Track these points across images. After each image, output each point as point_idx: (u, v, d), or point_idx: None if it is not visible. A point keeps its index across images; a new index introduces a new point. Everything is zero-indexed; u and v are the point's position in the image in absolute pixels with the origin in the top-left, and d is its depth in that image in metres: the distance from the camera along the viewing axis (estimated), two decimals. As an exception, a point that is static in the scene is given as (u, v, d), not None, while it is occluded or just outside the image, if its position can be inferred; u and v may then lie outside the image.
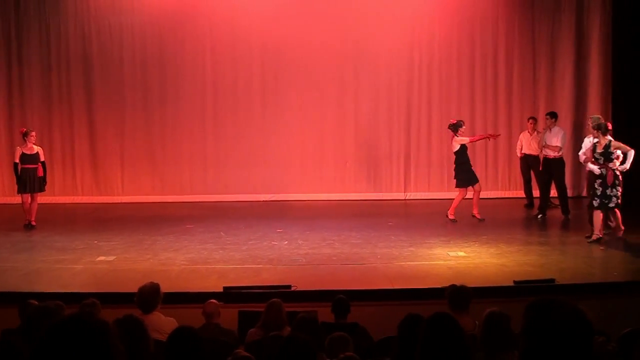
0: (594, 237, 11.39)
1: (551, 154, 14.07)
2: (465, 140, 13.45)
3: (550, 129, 14.18)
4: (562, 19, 16.56)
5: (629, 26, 15.37)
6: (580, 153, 12.36)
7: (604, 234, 11.63)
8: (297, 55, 16.40)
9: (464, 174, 13.40)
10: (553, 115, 14.36)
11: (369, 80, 16.62)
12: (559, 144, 14.09)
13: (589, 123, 12.36)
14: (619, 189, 11.32)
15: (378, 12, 16.34)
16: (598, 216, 11.41)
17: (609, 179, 11.26)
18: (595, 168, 11.44)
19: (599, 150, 11.38)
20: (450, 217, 13.32)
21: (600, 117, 12.44)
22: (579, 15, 16.53)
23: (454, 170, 13.59)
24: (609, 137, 11.52)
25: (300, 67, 16.46)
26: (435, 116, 16.46)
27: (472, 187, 13.41)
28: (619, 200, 11.35)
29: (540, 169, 14.42)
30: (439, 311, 4.08)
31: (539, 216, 13.93)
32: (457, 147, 13.37)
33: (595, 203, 11.39)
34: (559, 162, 14.11)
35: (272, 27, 16.28)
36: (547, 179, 14.19)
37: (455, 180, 13.55)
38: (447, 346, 3.71)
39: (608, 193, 11.29)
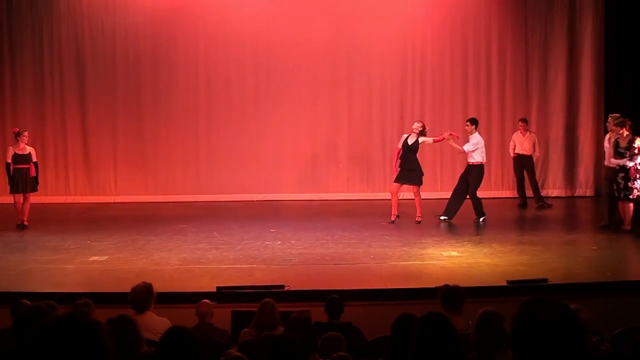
0: (627, 227, 12.13)
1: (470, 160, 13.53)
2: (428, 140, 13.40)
3: (470, 135, 13.56)
4: (555, 19, 16.60)
5: (621, 26, 15.43)
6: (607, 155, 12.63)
7: (603, 225, 12.53)
8: (290, 56, 16.42)
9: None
10: (473, 122, 13.65)
11: (361, 81, 16.64)
12: (469, 148, 13.43)
13: (610, 121, 12.63)
14: (639, 182, 12.02)
15: (371, 13, 16.36)
16: (627, 208, 12.17)
17: (632, 172, 12.01)
18: (625, 160, 12.02)
19: (623, 145, 12.07)
20: (419, 219, 13.26)
21: (619, 115, 12.59)
22: (571, 16, 16.58)
23: (414, 168, 13.26)
24: (630, 133, 12.19)
25: (293, 68, 16.47)
26: (428, 117, 16.41)
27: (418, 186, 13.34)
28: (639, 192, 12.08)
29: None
30: (432, 311, 4.09)
31: (481, 219, 13.32)
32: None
33: (622, 195, 12.12)
34: (471, 168, 13.52)
35: (265, 28, 16.30)
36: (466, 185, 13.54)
37: (416, 177, 13.29)
38: (440, 346, 3.72)
39: (630, 185, 12.02)
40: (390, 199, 13.55)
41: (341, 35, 16.38)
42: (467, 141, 13.56)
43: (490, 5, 16.65)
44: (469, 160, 13.59)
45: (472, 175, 13.47)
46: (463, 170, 13.88)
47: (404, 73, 16.74)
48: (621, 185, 12.12)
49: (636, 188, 12.05)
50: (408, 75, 16.75)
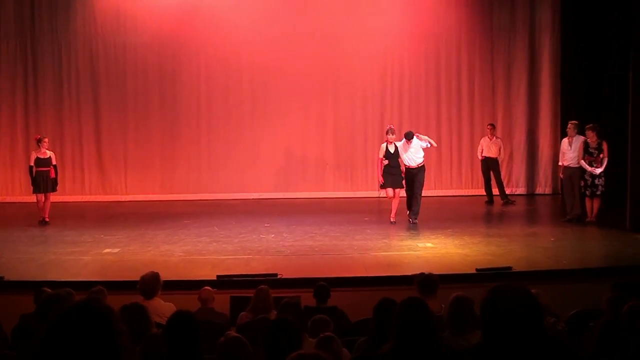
0: (593, 219, 12.38)
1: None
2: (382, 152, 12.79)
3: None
4: (517, 37, 16.66)
5: (575, 44, 15.52)
6: (571, 154, 12.58)
7: (567, 220, 12.59)
8: (283, 70, 16.36)
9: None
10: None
11: (346, 92, 16.62)
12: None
13: (570, 127, 12.78)
14: (602, 179, 12.26)
15: (355, 33, 16.29)
16: (594, 203, 12.42)
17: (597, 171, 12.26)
18: (594, 169, 12.20)
19: (594, 145, 12.25)
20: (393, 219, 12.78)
21: (578, 122, 12.81)
22: (531, 35, 16.65)
23: (398, 172, 12.69)
24: (597, 137, 12.36)
25: (285, 81, 16.41)
26: (405, 123, 16.39)
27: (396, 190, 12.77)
28: (603, 189, 12.30)
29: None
30: (412, 296, 4.09)
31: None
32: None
33: (588, 192, 12.34)
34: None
35: (261, 47, 16.23)
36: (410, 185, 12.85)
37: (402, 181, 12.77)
38: (418, 327, 3.71)
39: (596, 182, 12.25)
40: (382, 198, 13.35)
41: (328, 52, 16.33)
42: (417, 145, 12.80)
43: (460, 26, 16.65)
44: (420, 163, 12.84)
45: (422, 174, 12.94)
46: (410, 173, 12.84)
47: (383, 86, 16.73)
48: (588, 183, 12.30)
49: (601, 185, 12.25)
50: (387, 87, 16.75)
